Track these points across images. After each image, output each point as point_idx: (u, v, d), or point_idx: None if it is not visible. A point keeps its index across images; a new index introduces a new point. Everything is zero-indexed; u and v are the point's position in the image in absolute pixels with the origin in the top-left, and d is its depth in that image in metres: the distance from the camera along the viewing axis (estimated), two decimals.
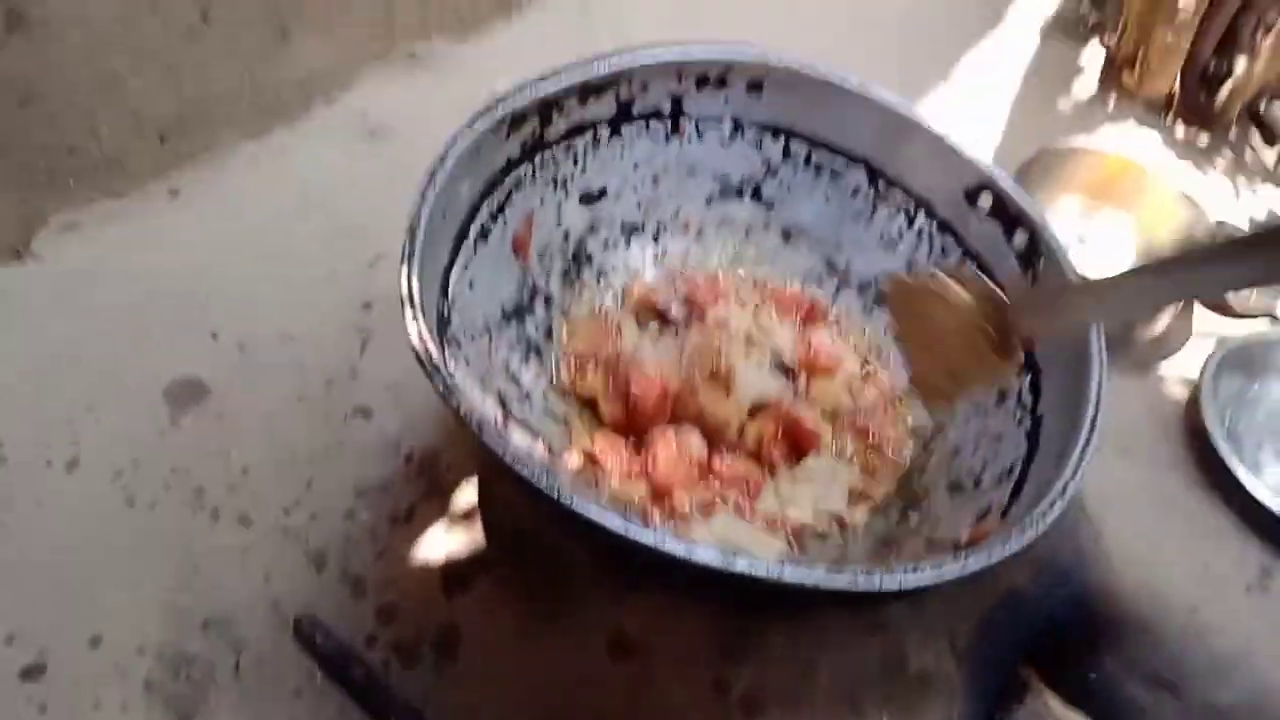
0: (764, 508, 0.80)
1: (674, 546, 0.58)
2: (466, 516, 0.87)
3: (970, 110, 1.39)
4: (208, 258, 1.11)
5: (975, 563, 0.61)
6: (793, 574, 0.58)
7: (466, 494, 0.89)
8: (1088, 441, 0.69)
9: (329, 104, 1.29)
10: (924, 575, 0.60)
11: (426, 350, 0.65)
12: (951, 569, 0.60)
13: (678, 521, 0.77)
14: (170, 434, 0.95)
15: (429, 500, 0.91)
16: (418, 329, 0.66)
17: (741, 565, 0.58)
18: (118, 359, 1.00)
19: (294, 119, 1.26)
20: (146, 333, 1.03)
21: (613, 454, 0.80)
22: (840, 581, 0.59)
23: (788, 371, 0.89)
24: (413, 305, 0.67)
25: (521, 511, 0.78)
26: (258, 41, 1.17)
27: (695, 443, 0.82)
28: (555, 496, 0.59)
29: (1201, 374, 1.03)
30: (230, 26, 1.13)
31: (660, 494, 0.78)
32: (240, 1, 1.13)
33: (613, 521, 0.58)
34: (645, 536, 0.58)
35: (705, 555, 0.58)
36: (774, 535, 0.78)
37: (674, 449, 0.81)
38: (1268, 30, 1.41)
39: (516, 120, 0.83)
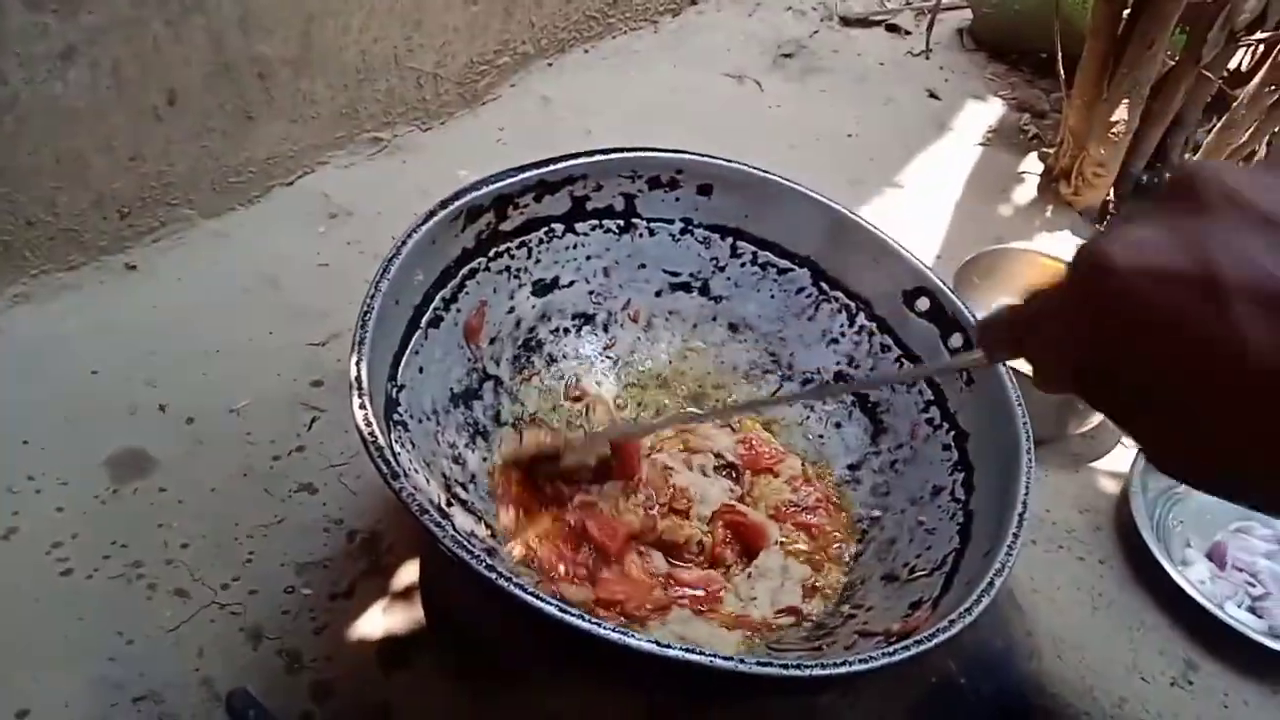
0: (726, 609, 0.82)
1: (612, 635, 0.59)
2: (406, 595, 0.88)
3: (915, 213, 1.44)
4: (162, 331, 1.12)
5: (904, 653, 0.62)
6: (725, 663, 0.60)
7: (407, 573, 0.89)
8: (1015, 537, 0.71)
9: (290, 186, 1.32)
10: (854, 666, 0.61)
11: (372, 434, 0.67)
12: (881, 660, 0.62)
13: (633, 623, 0.78)
14: (112, 505, 0.95)
15: (369, 578, 0.91)
16: (364, 414, 0.68)
17: (675, 654, 0.59)
18: (64, 430, 1.00)
19: (255, 199, 1.29)
20: (94, 404, 1.03)
21: (556, 558, 0.81)
22: (772, 670, 0.60)
23: (731, 469, 0.92)
24: (360, 390, 0.69)
25: (462, 594, 0.78)
26: (222, 124, 1.20)
27: (660, 563, 0.84)
28: (494, 580, 0.60)
29: (1131, 470, 1.07)
30: (195, 110, 1.16)
31: (611, 605, 0.80)
32: (207, 86, 1.16)
33: (551, 609, 0.59)
34: (585, 625, 0.59)
35: (643, 645, 0.59)
36: (731, 632, 0.80)
37: (642, 573, 0.82)
38: (1195, 148, 1.49)
39: (473, 214, 0.86)
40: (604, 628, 0.59)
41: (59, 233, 1.10)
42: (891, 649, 0.63)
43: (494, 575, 0.61)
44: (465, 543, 0.62)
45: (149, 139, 1.13)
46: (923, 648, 0.63)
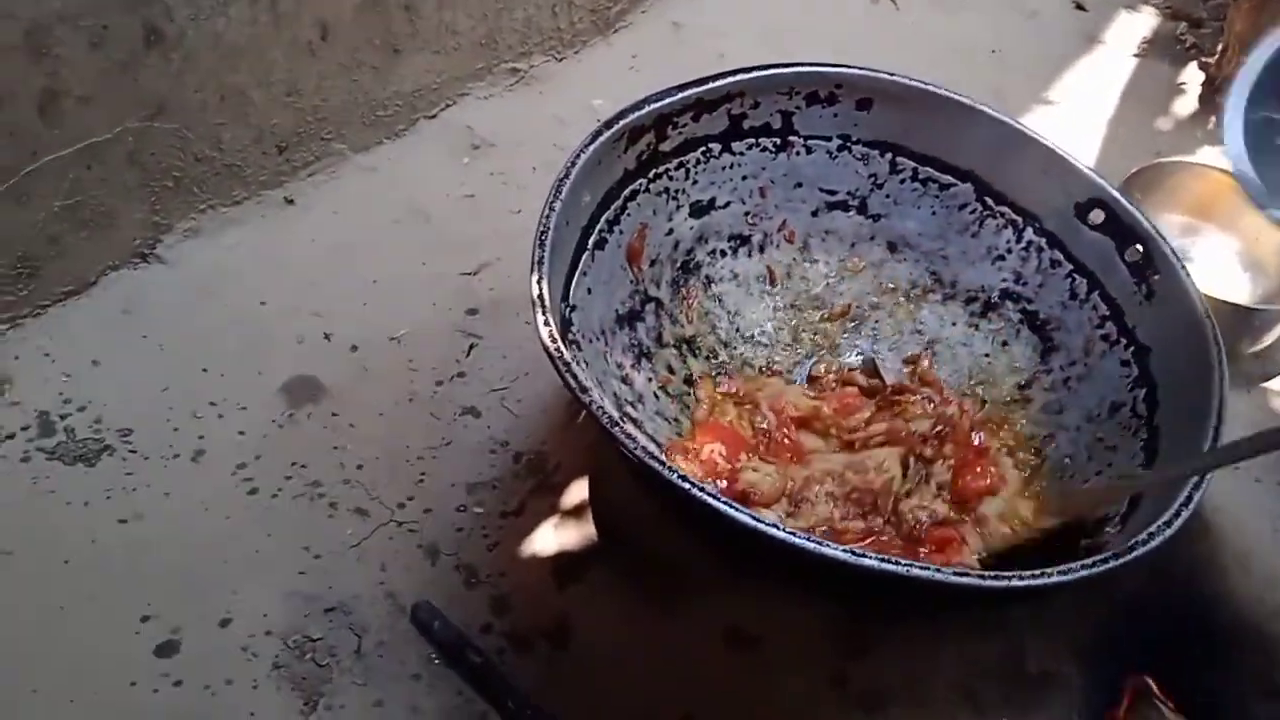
0: None
1: (808, 545, 0.59)
2: (576, 512, 0.89)
3: (1068, 130, 1.38)
4: (322, 263, 1.15)
5: (1102, 566, 0.61)
6: (922, 573, 0.59)
7: (575, 491, 0.91)
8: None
9: (433, 119, 1.33)
10: (1052, 578, 0.60)
11: (558, 350, 0.68)
12: (1079, 571, 0.61)
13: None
14: (289, 430, 0.99)
15: (538, 497, 0.93)
16: (549, 330, 0.69)
17: (871, 563, 0.59)
18: (238, 358, 1.04)
19: (401, 132, 1.31)
20: (265, 333, 1.07)
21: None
22: (971, 581, 0.60)
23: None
24: (543, 308, 0.70)
25: (635, 507, 0.80)
26: (371, 58, 1.22)
27: None
28: (688, 489, 0.61)
29: None
30: (346, 44, 1.18)
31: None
32: (357, 20, 1.17)
33: (744, 517, 0.60)
34: (780, 534, 0.60)
35: (839, 554, 0.59)
36: None
37: None
38: None
39: (634, 134, 0.86)
40: (799, 537, 0.60)
41: (223, 168, 1.14)
42: (1090, 561, 0.62)
43: (687, 485, 0.61)
44: (653, 454, 0.63)
45: (304, 74, 1.15)
46: (1121, 560, 0.62)
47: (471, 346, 1.08)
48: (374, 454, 0.98)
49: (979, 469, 0.84)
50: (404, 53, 1.25)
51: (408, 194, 1.25)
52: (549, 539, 0.89)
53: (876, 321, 0.99)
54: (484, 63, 1.37)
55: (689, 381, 0.91)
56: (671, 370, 0.90)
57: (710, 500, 0.61)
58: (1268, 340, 1.09)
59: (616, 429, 0.64)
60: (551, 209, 0.76)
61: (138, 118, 1.03)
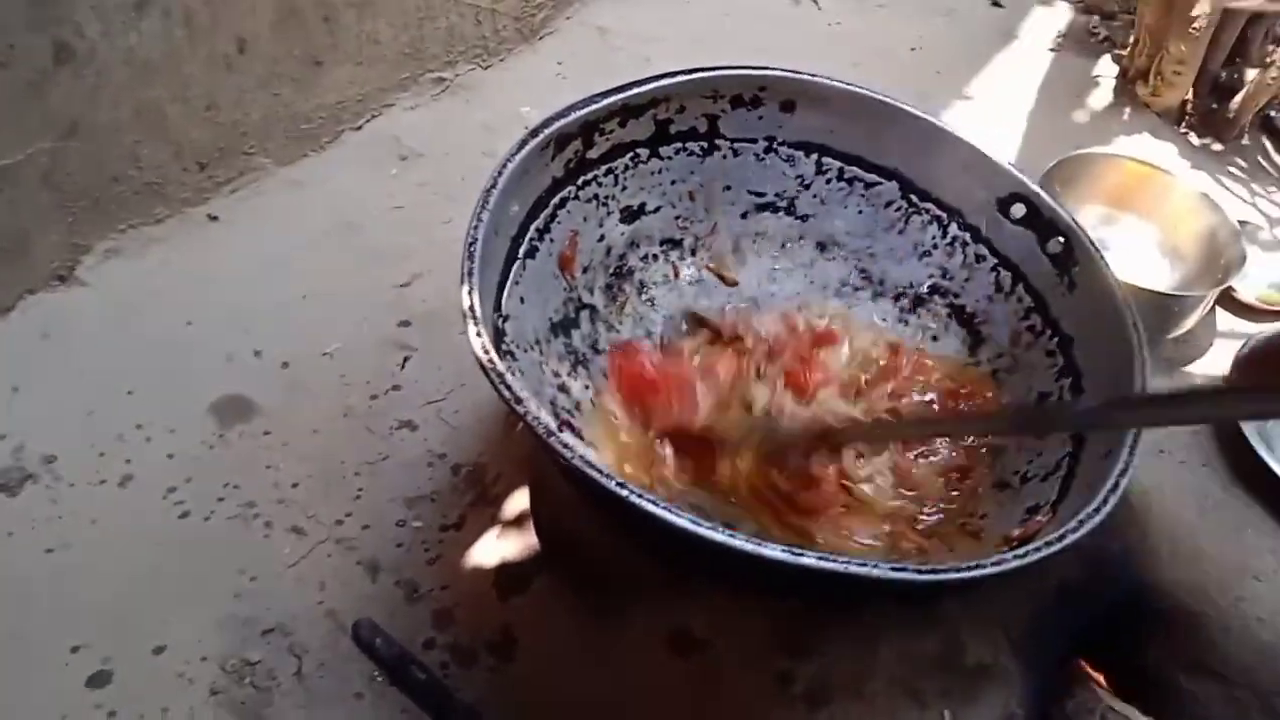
0: None
1: (743, 545, 0.60)
2: (517, 523, 0.89)
3: (987, 125, 1.42)
4: (248, 279, 1.13)
5: (1035, 554, 0.62)
6: (858, 569, 0.60)
7: (516, 501, 0.90)
8: (1136, 436, 0.70)
9: (359, 130, 1.32)
10: (987, 568, 0.61)
11: (491, 361, 0.67)
12: (1012, 561, 0.62)
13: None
14: (220, 450, 0.97)
15: (478, 509, 0.92)
16: (481, 342, 0.68)
17: (809, 560, 0.60)
18: (165, 378, 1.02)
19: (326, 145, 1.29)
20: (192, 352, 1.05)
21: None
22: (907, 575, 0.61)
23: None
24: (475, 320, 0.69)
25: (576, 516, 0.79)
26: (292, 71, 1.20)
27: None
28: (625, 497, 0.61)
29: (1229, 372, 1.05)
30: (265, 57, 1.17)
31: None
32: (275, 33, 1.16)
33: (684, 522, 0.60)
34: (717, 535, 0.60)
35: (776, 553, 0.60)
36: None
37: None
38: (1277, 41, 1.44)
39: (561, 142, 0.85)
40: (737, 538, 0.60)
41: (143, 187, 1.11)
42: (1023, 551, 0.63)
43: (625, 492, 0.61)
44: (591, 462, 0.63)
45: (222, 88, 1.14)
46: (1054, 548, 0.63)
47: (406, 359, 1.07)
48: (309, 471, 0.96)
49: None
50: (326, 64, 1.24)
51: (335, 207, 1.23)
52: (490, 551, 0.88)
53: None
54: (409, 72, 1.36)
55: None
56: (607, 376, 0.90)
57: (648, 506, 0.60)
58: (1187, 325, 1.12)
59: (553, 439, 0.64)
60: (479, 220, 0.75)
61: (50, 138, 1.01)
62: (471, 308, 0.70)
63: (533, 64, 1.50)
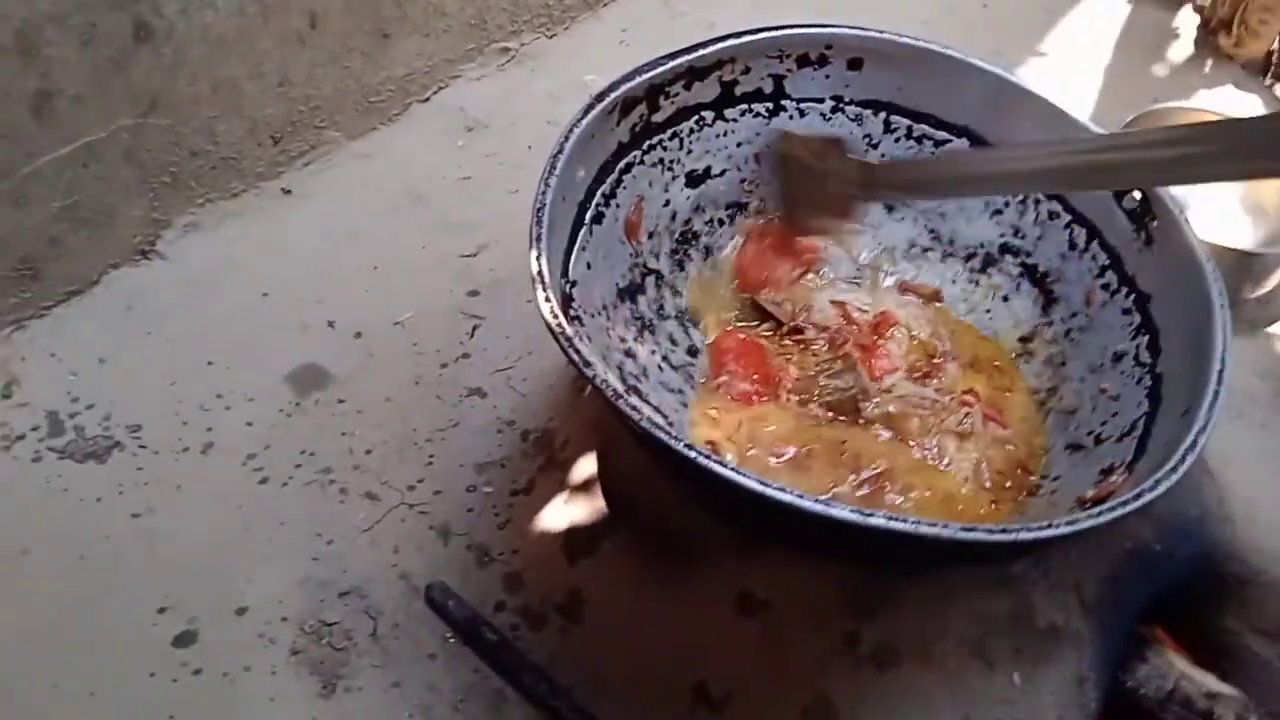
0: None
1: (814, 507, 0.60)
2: (585, 488, 0.90)
3: (1062, 80, 1.38)
4: (322, 251, 1.15)
5: (1108, 515, 0.61)
6: (930, 530, 0.60)
7: (584, 467, 0.91)
8: (1216, 395, 0.69)
9: (426, 102, 1.33)
10: (1059, 529, 0.61)
11: (560, 326, 0.68)
12: (1085, 521, 0.61)
13: None
14: (297, 418, 1.00)
15: (547, 473, 0.93)
16: (550, 306, 0.69)
17: (878, 520, 0.60)
18: (243, 349, 1.05)
19: (395, 117, 1.31)
20: (268, 323, 1.08)
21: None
22: (978, 535, 0.60)
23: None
24: (543, 284, 0.70)
25: (644, 479, 0.80)
26: (361, 45, 1.21)
27: None
28: (692, 457, 0.61)
29: None
30: (335, 31, 1.18)
31: None
32: (346, 7, 1.17)
33: (748, 482, 0.60)
34: (786, 497, 0.60)
35: (845, 513, 0.59)
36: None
37: None
38: None
39: (626, 106, 0.86)
40: (805, 499, 0.60)
41: (220, 161, 1.14)
42: (1097, 510, 0.62)
43: (694, 454, 0.62)
44: (660, 425, 0.64)
45: (295, 63, 1.15)
46: (1129, 508, 0.62)
47: (475, 328, 1.09)
48: (382, 438, 0.98)
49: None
50: (394, 37, 1.25)
51: (404, 178, 1.25)
52: (559, 515, 0.89)
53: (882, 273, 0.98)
54: (474, 43, 1.36)
55: (692, 352, 0.91)
56: (674, 342, 0.90)
57: (716, 468, 0.61)
58: (1270, 285, 1.09)
59: (621, 401, 0.65)
60: (547, 185, 0.76)
61: (131, 114, 1.03)
62: (540, 273, 0.71)
63: (597, 32, 1.50)
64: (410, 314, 1.10)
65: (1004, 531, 0.61)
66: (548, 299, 0.69)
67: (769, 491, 0.60)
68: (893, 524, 0.60)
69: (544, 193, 0.75)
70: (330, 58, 1.19)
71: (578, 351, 0.67)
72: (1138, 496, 0.63)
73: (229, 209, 1.17)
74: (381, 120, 1.29)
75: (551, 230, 0.76)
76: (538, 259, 0.71)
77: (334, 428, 0.99)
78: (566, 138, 0.79)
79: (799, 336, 0.92)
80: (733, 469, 0.61)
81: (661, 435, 0.63)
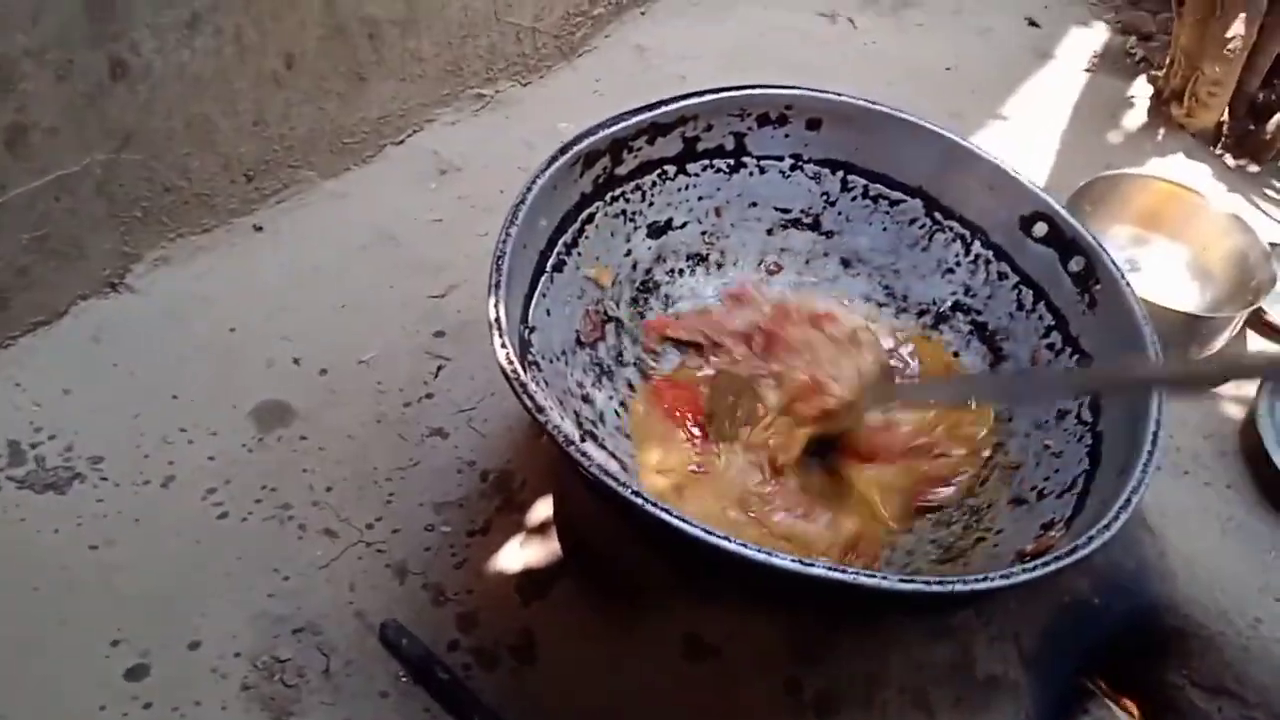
0: None
1: (755, 554, 0.61)
2: (541, 529, 0.91)
3: (1020, 145, 1.42)
4: (290, 288, 1.16)
5: (1044, 569, 0.63)
6: (869, 581, 0.61)
7: (540, 509, 0.93)
8: (1150, 454, 0.71)
9: (400, 144, 1.36)
10: (995, 581, 0.62)
11: (515, 372, 0.69)
12: (1022, 575, 0.63)
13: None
14: (259, 453, 1.01)
15: (504, 515, 0.95)
16: (506, 353, 0.71)
17: (819, 571, 0.61)
18: (208, 383, 1.06)
19: (369, 159, 1.33)
20: (234, 358, 1.09)
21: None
22: (915, 588, 0.62)
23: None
24: (500, 330, 0.72)
25: (597, 523, 0.81)
26: (337, 86, 1.24)
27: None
28: (639, 505, 0.63)
29: (1258, 394, 1.05)
30: (312, 73, 1.20)
31: None
32: (322, 50, 1.20)
33: (694, 530, 0.62)
34: (727, 544, 0.61)
35: (785, 563, 0.61)
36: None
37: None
38: None
39: (590, 159, 0.88)
40: (749, 548, 0.62)
41: (192, 197, 1.16)
42: (1032, 565, 0.64)
43: (640, 501, 0.63)
44: (609, 471, 0.65)
45: (270, 102, 1.17)
46: (1063, 562, 0.64)
47: (439, 368, 1.10)
48: (343, 475, 0.99)
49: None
50: (369, 80, 1.27)
51: (376, 219, 1.27)
52: (514, 556, 0.90)
53: None
54: (449, 89, 1.39)
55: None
56: (633, 388, 0.92)
57: (661, 515, 0.62)
58: (1216, 346, 1.12)
59: (571, 447, 0.66)
60: (508, 234, 0.78)
61: (105, 149, 1.05)
62: (497, 319, 0.73)
63: (571, 81, 1.53)
64: (375, 353, 1.11)
65: (940, 583, 0.62)
66: (504, 345, 0.71)
67: (712, 540, 0.62)
68: (831, 574, 0.61)
69: (504, 241, 0.77)
70: (306, 98, 1.21)
71: (530, 397, 0.68)
72: (1072, 552, 0.65)
73: (200, 244, 1.18)
74: (355, 161, 1.31)
75: (512, 277, 0.77)
76: (495, 305, 0.73)
77: (295, 464, 1.00)
78: (529, 188, 0.81)
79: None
80: (677, 516, 0.63)
81: (609, 482, 0.64)
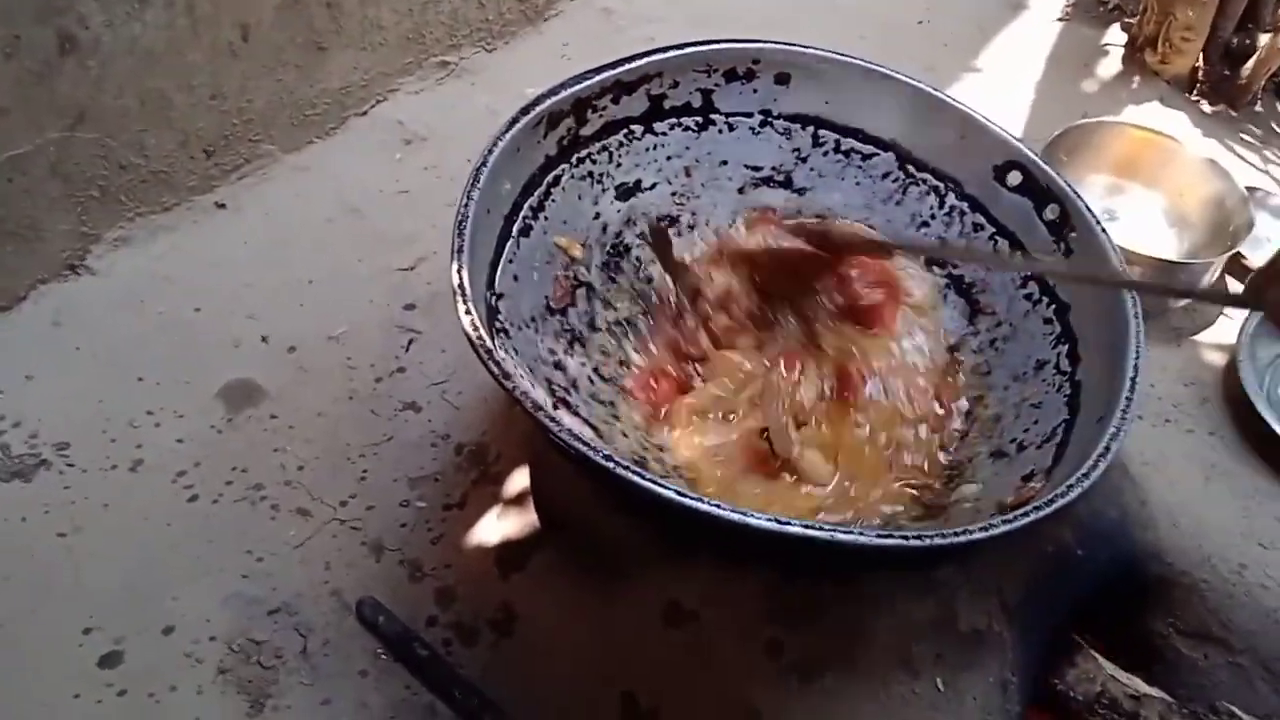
0: None
1: (732, 515, 0.60)
2: (518, 501, 0.90)
3: (994, 97, 1.40)
4: (255, 265, 1.14)
5: (1023, 520, 0.62)
6: (847, 537, 0.60)
7: (517, 480, 0.91)
8: (1128, 402, 0.70)
9: (364, 115, 1.33)
10: (974, 534, 0.61)
11: (480, 338, 0.68)
12: (1000, 527, 0.62)
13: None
14: (228, 434, 0.99)
15: (480, 488, 0.93)
16: (471, 319, 0.69)
17: (796, 530, 0.60)
18: (174, 365, 1.04)
19: (331, 131, 1.30)
20: (200, 339, 1.06)
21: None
22: (893, 543, 0.61)
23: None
24: (464, 297, 0.70)
25: (573, 492, 0.80)
26: (295, 58, 1.21)
27: None
28: (611, 468, 0.62)
29: (1239, 339, 1.04)
30: (269, 44, 1.17)
31: None
32: (278, 20, 1.16)
33: (670, 491, 0.61)
34: (703, 505, 0.60)
35: (762, 522, 0.60)
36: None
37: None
38: None
39: (553, 119, 0.86)
40: (723, 508, 0.60)
41: (150, 175, 1.13)
42: (1011, 516, 0.63)
43: (611, 464, 0.62)
44: (581, 436, 0.64)
45: (227, 76, 1.15)
46: (1042, 513, 0.63)
47: (410, 342, 1.08)
48: (315, 454, 0.98)
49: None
50: (329, 50, 1.24)
51: (341, 192, 1.24)
52: (491, 529, 0.89)
53: None
54: (412, 57, 1.36)
55: (624, 364, 0.91)
56: (606, 353, 0.91)
57: (636, 478, 0.61)
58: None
59: (541, 413, 0.65)
60: (469, 198, 0.76)
61: (58, 128, 1.02)
62: (461, 285, 0.71)
63: (538, 46, 1.50)
64: (345, 328, 1.09)
65: (919, 538, 0.61)
66: (468, 312, 0.69)
67: (687, 502, 0.60)
68: (809, 531, 0.60)
69: (466, 205, 0.75)
70: (263, 70, 1.18)
71: (498, 364, 0.67)
72: (1050, 502, 0.64)
73: (160, 223, 1.16)
74: (318, 133, 1.29)
75: (476, 243, 0.76)
76: (459, 271, 0.71)
77: (266, 444, 0.98)
78: (490, 151, 0.79)
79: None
80: (649, 479, 0.61)
81: (579, 446, 0.63)
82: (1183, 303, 1.12)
